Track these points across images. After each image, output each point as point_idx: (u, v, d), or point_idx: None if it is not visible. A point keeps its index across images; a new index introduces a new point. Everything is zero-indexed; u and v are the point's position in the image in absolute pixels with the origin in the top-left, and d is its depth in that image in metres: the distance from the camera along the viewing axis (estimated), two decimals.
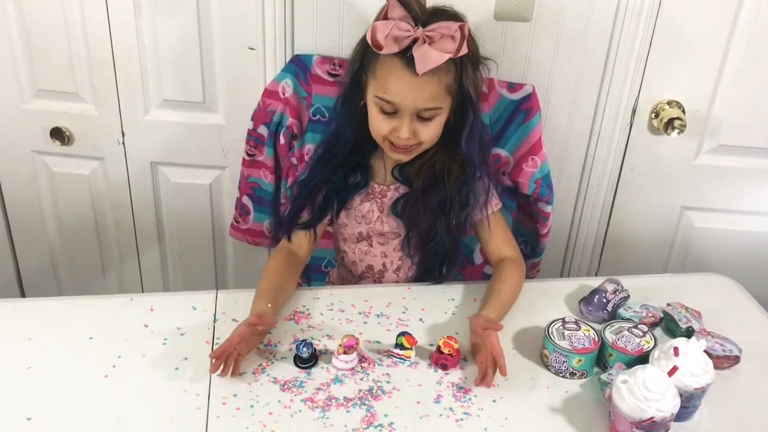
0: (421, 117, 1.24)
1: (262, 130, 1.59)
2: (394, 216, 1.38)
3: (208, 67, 1.60)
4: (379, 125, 1.26)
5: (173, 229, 1.83)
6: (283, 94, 1.55)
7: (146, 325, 1.24)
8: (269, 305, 1.23)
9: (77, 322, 1.25)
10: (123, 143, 1.71)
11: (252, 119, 1.59)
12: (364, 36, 1.24)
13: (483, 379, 1.14)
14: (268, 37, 1.54)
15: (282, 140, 1.57)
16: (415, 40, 1.18)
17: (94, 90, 1.65)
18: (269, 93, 1.56)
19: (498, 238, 1.39)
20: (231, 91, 1.63)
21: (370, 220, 1.39)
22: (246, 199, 1.68)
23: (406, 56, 1.19)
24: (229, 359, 1.13)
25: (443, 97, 1.24)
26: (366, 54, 1.25)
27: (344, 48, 1.53)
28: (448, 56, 1.18)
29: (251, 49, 1.57)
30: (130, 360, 1.17)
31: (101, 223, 1.83)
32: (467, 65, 1.24)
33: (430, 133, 1.27)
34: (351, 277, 1.48)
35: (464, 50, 1.20)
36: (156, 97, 1.65)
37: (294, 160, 1.59)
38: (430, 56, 1.17)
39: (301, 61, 1.54)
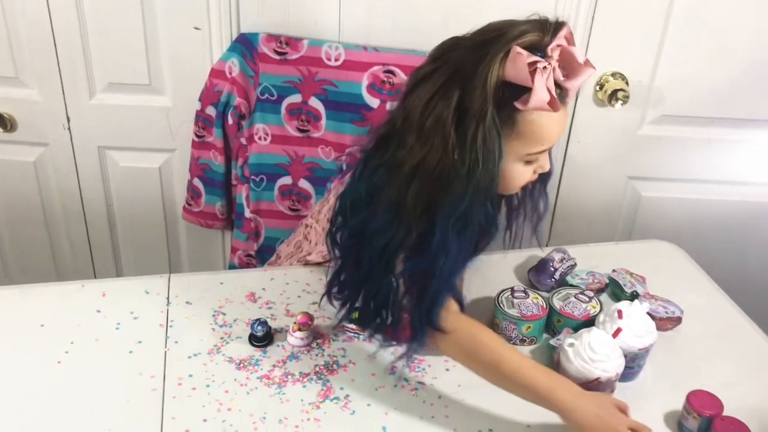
0: None
1: (210, 111, 1.57)
2: None
3: (152, 49, 1.58)
4: (525, 176, 1.04)
5: (124, 213, 1.81)
6: (230, 73, 1.54)
7: (98, 311, 1.23)
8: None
9: (27, 310, 1.23)
10: (69, 128, 1.68)
11: (199, 100, 1.58)
12: (476, 99, 0.92)
13: None
14: (213, 17, 1.53)
15: (230, 120, 1.57)
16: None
17: (36, 74, 1.61)
18: (216, 73, 1.55)
19: None
20: (177, 73, 1.61)
21: None
22: (197, 182, 1.67)
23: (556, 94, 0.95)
24: None
25: None
26: (500, 118, 0.94)
27: (291, 25, 1.53)
28: (593, 71, 0.97)
29: (196, 29, 1.55)
30: (83, 345, 1.16)
31: (49, 210, 1.80)
32: None
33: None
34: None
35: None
36: (101, 80, 1.63)
37: (243, 140, 1.58)
38: (583, 81, 0.97)
39: (247, 39, 1.53)
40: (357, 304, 1.11)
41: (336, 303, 1.14)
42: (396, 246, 1.00)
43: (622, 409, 1.00)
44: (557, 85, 0.95)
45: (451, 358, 1.10)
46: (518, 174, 1.03)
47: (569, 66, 0.95)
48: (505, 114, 0.94)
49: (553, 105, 0.93)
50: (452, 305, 1.06)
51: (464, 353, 1.05)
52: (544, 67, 0.91)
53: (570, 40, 0.95)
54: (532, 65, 0.90)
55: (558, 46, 0.93)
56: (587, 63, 0.96)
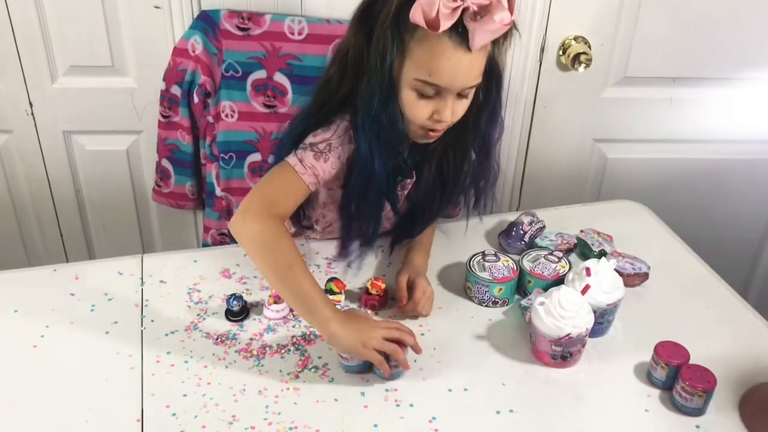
0: (461, 95, 1.09)
1: (175, 90, 1.56)
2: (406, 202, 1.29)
3: (113, 29, 1.56)
4: (418, 112, 1.09)
5: (93, 197, 1.79)
6: (193, 51, 1.53)
7: (72, 294, 1.23)
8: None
9: (0, 296, 1.22)
10: (32, 114, 1.66)
11: (164, 80, 1.57)
12: (365, 12, 1.08)
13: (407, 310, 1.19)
14: None
15: (196, 99, 1.56)
16: (463, 11, 1.00)
17: None
18: (179, 51, 1.53)
19: None
20: (139, 53, 1.59)
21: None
22: (165, 162, 1.66)
23: (456, 31, 1.01)
24: None
25: (483, 71, 1.09)
26: (395, 33, 1.04)
27: (252, 1, 1.52)
28: (506, 29, 1.02)
29: (156, 7, 1.53)
30: (58, 329, 1.16)
31: (17, 196, 1.78)
32: (501, 36, 1.06)
33: (464, 109, 1.12)
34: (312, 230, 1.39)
35: (514, 16, 1.03)
36: (62, 63, 1.60)
37: (210, 119, 1.58)
38: (491, 28, 1.00)
39: (209, 16, 1.51)
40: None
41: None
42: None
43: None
44: (462, 25, 1.00)
45: (245, 247, 1.13)
46: (411, 103, 1.09)
47: (484, 11, 1.00)
48: (403, 26, 1.03)
49: (432, 23, 0.98)
50: (282, 211, 1.12)
51: (263, 245, 1.09)
52: None
53: (488, 9, 1.00)
54: None
55: None
56: (503, 20, 1.00)
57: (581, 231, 1.38)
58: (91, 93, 1.64)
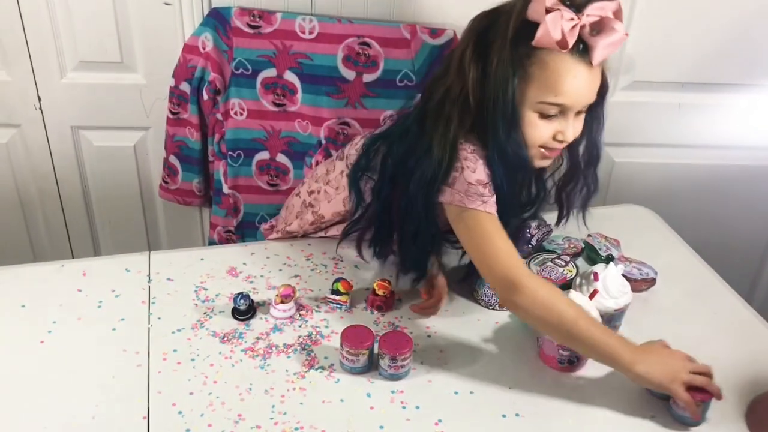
0: (580, 112, 1.09)
1: (185, 87, 1.56)
2: None
3: (123, 25, 1.56)
4: (540, 133, 1.07)
5: (100, 193, 1.79)
6: (203, 48, 1.53)
7: (80, 290, 1.23)
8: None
9: (7, 291, 1.23)
10: (40, 108, 1.66)
11: (173, 76, 1.57)
12: (486, 41, 1.05)
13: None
14: None
15: (205, 96, 1.56)
16: (580, 28, 1.00)
17: (4, 54, 1.58)
18: (189, 48, 1.53)
19: None
20: (149, 49, 1.59)
21: None
22: (173, 159, 1.66)
23: (578, 49, 1.01)
24: None
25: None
26: (515, 61, 1.02)
27: None
28: (623, 40, 1.02)
29: (167, 4, 1.53)
30: (65, 324, 1.16)
31: (24, 191, 1.78)
32: None
33: (581, 127, 1.11)
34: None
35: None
36: (71, 58, 1.60)
37: (219, 116, 1.58)
38: (612, 41, 1.00)
39: (220, 14, 1.51)
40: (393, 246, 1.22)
41: (365, 251, 1.26)
42: (436, 175, 1.08)
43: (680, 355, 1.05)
44: (583, 41, 1.00)
45: (523, 317, 1.11)
46: (534, 126, 1.06)
47: (599, 26, 1.00)
48: (522, 51, 1.02)
49: (561, 43, 0.98)
50: (522, 261, 1.08)
51: (543, 312, 1.04)
52: (563, 14, 0.98)
53: (615, 13, 1.00)
54: (552, 7, 0.98)
55: (594, 9, 0.99)
56: (621, 32, 1.00)
57: (588, 235, 1.37)
58: (100, 88, 1.64)
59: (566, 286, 1.20)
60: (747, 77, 1.70)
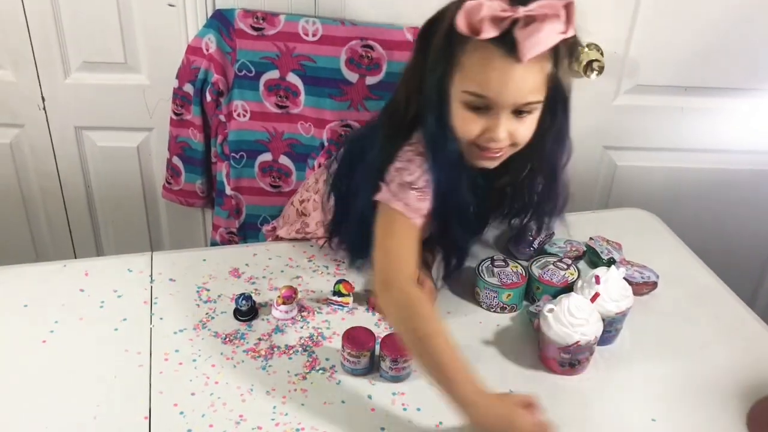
0: (518, 113, 1.04)
1: (188, 89, 1.57)
2: None
3: (127, 26, 1.57)
4: (467, 127, 1.04)
5: (103, 193, 1.80)
6: (207, 50, 1.53)
7: (82, 290, 1.24)
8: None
9: (9, 290, 1.23)
10: (44, 109, 1.67)
11: (177, 78, 1.57)
12: (435, 20, 1.05)
13: None
14: None
15: (208, 98, 1.56)
16: (514, 22, 0.96)
17: (8, 54, 1.59)
18: (192, 50, 1.54)
19: None
20: (153, 50, 1.60)
21: None
22: (176, 160, 1.67)
23: (504, 41, 0.97)
24: None
25: (543, 88, 1.04)
26: (447, 49, 1.02)
27: (267, 1, 1.52)
28: (559, 37, 0.98)
29: (171, 5, 1.54)
30: (67, 324, 1.16)
31: (27, 191, 1.79)
32: (563, 52, 1.03)
33: (526, 131, 1.07)
34: None
35: (572, 32, 0.99)
36: (75, 59, 1.61)
37: (222, 118, 1.58)
38: (540, 38, 0.95)
39: (223, 15, 1.52)
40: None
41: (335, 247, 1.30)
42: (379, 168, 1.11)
43: (530, 404, 0.96)
44: (511, 34, 0.96)
45: (385, 316, 1.13)
46: (461, 118, 1.05)
47: (535, 22, 0.96)
48: (456, 41, 1.00)
49: (474, 29, 0.96)
50: (412, 269, 1.07)
51: (401, 315, 1.02)
52: (493, 3, 0.96)
53: (562, 12, 0.97)
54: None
55: (538, 5, 0.96)
56: (554, 31, 0.96)
57: (590, 238, 1.37)
58: (104, 89, 1.65)
59: (568, 289, 1.20)
60: (750, 81, 1.70)
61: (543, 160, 1.16)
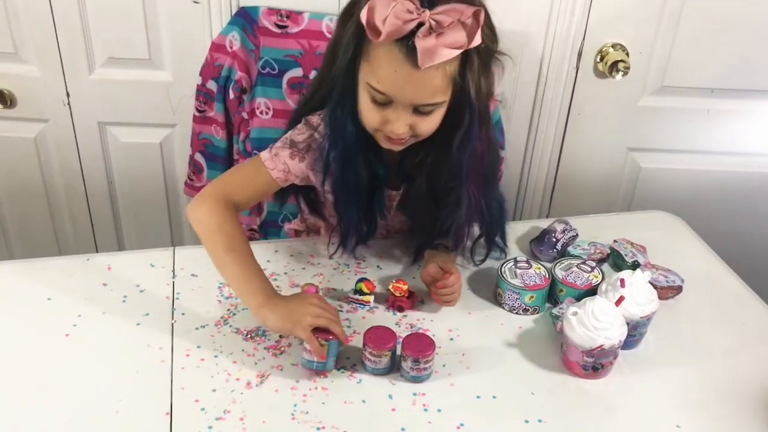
0: (420, 111, 1.06)
1: (211, 86, 1.57)
2: (401, 212, 1.30)
3: (152, 23, 1.57)
4: (370, 116, 1.08)
5: (125, 189, 1.81)
6: (231, 47, 1.53)
7: (104, 284, 1.24)
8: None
9: (33, 284, 1.24)
10: (68, 104, 1.68)
11: (200, 74, 1.58)
12: (350, 7, 1.07)
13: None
14: None
15: (231, 95, 1.56)
16: (419, 25, 0.97)
17: (35, 50, 1.60)
18: (216, 47, 1.54)
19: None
20: (177, 47, 1.60)
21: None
22: (199, 156, 1.67)
23: (407, 44, 0.98)
24: None
25: (446, 90, 1.05)
26: (359, 33, 1.03)
27: None
28: (457, 52, 0.99)
29: (195, 2, 1.54)
30: (90, 318, 1.17)
31: (50, 186, 1.80)
32: (474, 58, 1.04)
33: (428, 126, 1.09)
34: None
35: (477, 41, 0.99)
36: (100, 55, 1.62)
37: (245, 115, 1.58)
38: (437, 52, 0.97)
39: (247, 13, 1.52)
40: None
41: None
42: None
43: (315, 297, 1.10)
44: (410, 40, 0.98)
45: (194, 226, 1.16)
46: (364, 107, 1.09)
47: (439, 31, 0.97)
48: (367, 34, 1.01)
49: (370, 27, 0.98)
50: (239, 200, 1.17)
51: (208, 228, 1.13)
52: (399, 4, 0.97)
53: (469, 21, 0.98)
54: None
55: (443, 10, 0.97)
56: (454, 43, 0.98)
57: (614, 241, 1.36)
58: (128, 85, 1.65)
59: (592, 292, 1.19)
60: None
61: (451, 161, 1.13)
